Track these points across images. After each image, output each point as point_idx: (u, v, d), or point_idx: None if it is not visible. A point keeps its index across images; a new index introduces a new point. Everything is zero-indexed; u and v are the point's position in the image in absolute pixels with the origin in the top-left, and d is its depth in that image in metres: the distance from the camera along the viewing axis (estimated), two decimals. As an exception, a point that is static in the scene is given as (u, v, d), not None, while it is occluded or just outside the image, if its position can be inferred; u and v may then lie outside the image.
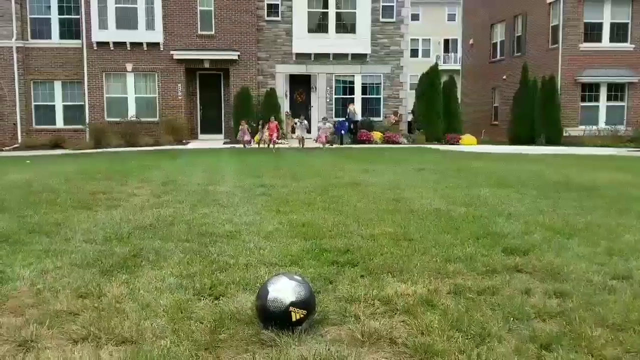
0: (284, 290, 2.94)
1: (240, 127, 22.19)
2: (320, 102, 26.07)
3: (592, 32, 25.72)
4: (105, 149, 21.73)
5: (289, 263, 4.28)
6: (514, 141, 25.11)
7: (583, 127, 25.50)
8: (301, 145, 21.00)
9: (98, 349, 2.69)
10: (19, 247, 4.78)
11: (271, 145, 20.33)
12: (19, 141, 24.79)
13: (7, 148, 23.64)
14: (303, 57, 25.77)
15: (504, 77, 29.37)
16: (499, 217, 6.25)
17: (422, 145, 22.82)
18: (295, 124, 22.45)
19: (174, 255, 4.46)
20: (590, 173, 11.66)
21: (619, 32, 25.76)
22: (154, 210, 6.74)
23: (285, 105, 25.63)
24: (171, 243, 4.90)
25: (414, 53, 42.26)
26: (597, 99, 26.27)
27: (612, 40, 25.70)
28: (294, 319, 2.88)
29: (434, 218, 6.17)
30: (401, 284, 3.74)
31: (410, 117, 27.55)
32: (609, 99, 26.23)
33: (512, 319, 3.09)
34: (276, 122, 21.36)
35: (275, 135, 20.51)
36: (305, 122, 22.44)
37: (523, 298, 3.47)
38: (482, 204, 7.24)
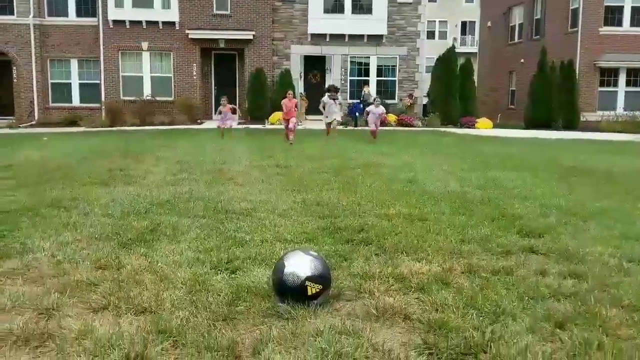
0: (300, 264, 2.97)
1: (220, 107, 16.32)
2: (334, 83, 25.97)
3: (613, 15, 25.28)
4: (120, 128, 21.87)
5: (304, 240, 4.31)
6: (530, 125, 24.87)
7: (601, 112, 25.19)
8: (328, 133, 15.27)
9: (118, 318, 2.75)
10: (38, 220, 4.86)
11: (291, 136, 14.01)
12: (36, 118, 25.00)
13: (23, 125, 23.86)
14: (318, 38, 25.63)
15: (522, 60, 29.03)
16: (515, 200, 6.23)
17: (437, 129, 22.68)
18: (324, 105, 15.56)
19: (191, 231, 4.51)
20: (608, 158, 11.55)
21: (640, 16, 25.33)
22: (170, 187, 6.81)
23: (299, 87, 25.56)
24: (188, 219, 4.95)
25: (431, 35, 41.84)
26: (616, 84, 25.91)
27: (632, 24, 25.26)
28: (309, 293, 2.92)
29: (448, 200, 6.16)
30: (415, 263, 3.76)
31: (425, 100, 27.37)
32: (628, 84, 25.85)
33: (526, 298, 3.10)
34: (295, 100, 15.63)
35: (294, 119, 14.42)
36: (340, 100, 15.98)
37: (538, 278, 3.47)
38: (497, 187, 7.21)
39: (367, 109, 16.87)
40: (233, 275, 3.42)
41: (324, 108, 15.50)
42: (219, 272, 3.48)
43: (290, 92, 15.74)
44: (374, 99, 17.55)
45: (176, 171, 8.43)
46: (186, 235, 4.36)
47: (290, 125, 14.31)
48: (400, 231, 4.62)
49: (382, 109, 16.48)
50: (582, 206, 5.89)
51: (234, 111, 16.61)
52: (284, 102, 14.94)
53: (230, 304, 2.93)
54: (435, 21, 45.20)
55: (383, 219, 5.09)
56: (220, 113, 16.28)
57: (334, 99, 15.42)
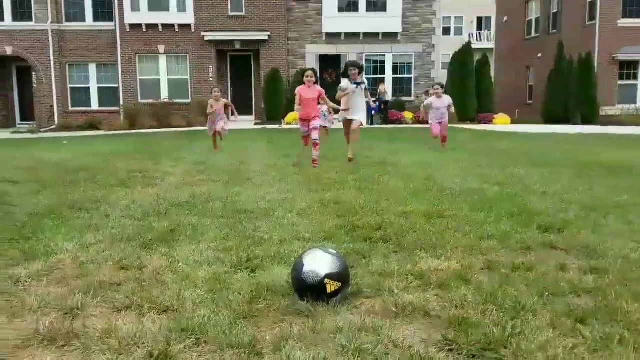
0: (319, 262, 3.00)
1: (211, 101, 11.99)
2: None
3: (632, 7, 24.95)
4: (139, 130, 22.09)
5: (322, 239, 4.33)
6: (548, 121, 24.64)
7: (620, 106, 24.89)
8: (348, 138, 9.84)
9: (141, 317, 2.79)
10: (61, 222, 4.94)
11: (314, 153, 9.11)
12: (56, 123, 25.36)
13: (44, 129, 24.22)
14: (333, 37, 25.66)
15: (539, 55, 28.77)
16: (534, 196, 6.19)
17: (454, 125, 22.55)
18: (343, 93, 9.62)
19: (210, 231, 4.56)
20: (628, 153, 11.40)
21: (660, 7, 24.97)
22: (189, 188, 6.88)
23: (315, 86, 25.60)
24: (207, 219, 5.01)
25: (446, 31, 41.63)
26: (635, 77, 25.58)
27: (652, 15, 24.94)
28: (329, 290, 2.94)
29: (467, 196, 6.14)
30: (434, 260, 3.77)
31: (441, 97, 27.23)
32: (648, 77, 25.52)
33: (547, 294, 3.09)
34: (318, 89, 9.32)
35: (317, 121, 9.22)
36: (366, 83, 9.82)
37: (558, 274, 3.46)
38: (516, 183, 7.17)
39: (426, 102, 12.26)
40: (253, 274, 3.46)
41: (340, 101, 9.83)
42: (238, 271, 3.52)
43: (311, 72, 9.39)
44: (433, 86, 12.57)
45: (194, 172, 8.51)
46: (206, 235, 4.41)
47: (313, 128, 9.15)
48: (419, 228, 4.62)
49: (447, 99, 11.63)
50: (602, 201, 5.84)
51: (226, 108, 12.24)
52: (299, 90, 9.27)
53: (250, 302, 2.96)
54: (450, 17, 44.96)
55: (401, 217, 5.09)
56: (212, 109, 11.84)
57: (357, 84, 9.48)
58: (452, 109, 11.90)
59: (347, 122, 9.76)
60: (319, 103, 9.41)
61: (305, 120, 9.40)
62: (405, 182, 7.21)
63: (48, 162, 10.32)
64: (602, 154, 10.98)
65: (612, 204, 5.70)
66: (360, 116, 9.72)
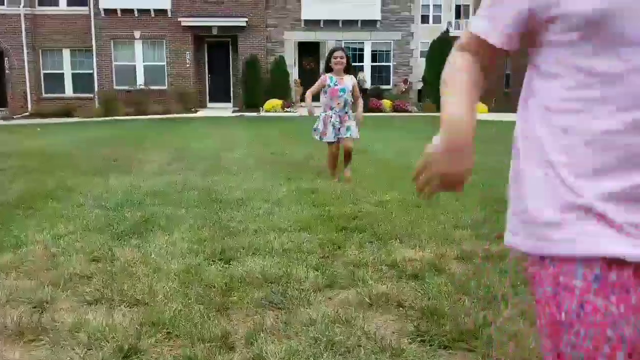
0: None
1: None
2: (329, 69, 25.84)
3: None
4: (114, 118, 21.77)
5: (298, 229, 4.31)
6: (525, 109, 24.87)
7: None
8: (334, 165, 6.68)
9: (111, 310, 2.75)
10: (32, 212, 4.86)
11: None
12: (29, 109, 24.85)
13: (17, 116, 23.73)
14: (312, 24, 25.49)
15: (516, 43, 28.93)
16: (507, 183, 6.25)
17: (432, 114, 22.63)
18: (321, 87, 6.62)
19: (184, 221, 4.51)
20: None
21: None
22: (164, 177, 6.80)
23: (294, 73, 25.46)
24: (182, 209, 4.96)
25: (425, 19, 41.63)
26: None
27: None
28: None
29: (442, 185, 6.17)
30: (409, 250, 3.78)
31: (420, 85, 27.31)
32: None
33: (519, 283, 3.12)
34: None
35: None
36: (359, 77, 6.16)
37: (530, 263, 3.49)
38: (492, 171, 7.20)
39: None
40: (227, 266, 3.43)
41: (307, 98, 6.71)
42: (212, 262, 3.49)
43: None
44: None
45: (170, 160, 8.42)
46: (180, 226, 4.36)
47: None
48: (394, 218, 4.63)
49: None
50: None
51: None
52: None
53: (223, 294, 2.94)
54: (429, 5, 44.90)
55: (377, 206, 5.10)
56: None
57: (337, 86, 6.55)
58: None
59: (330, 143, 6.63)
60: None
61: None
62: (382, 171, 7.22)
63: (20, 150, 10.12)
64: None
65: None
66: (347, 132, 6.56)
